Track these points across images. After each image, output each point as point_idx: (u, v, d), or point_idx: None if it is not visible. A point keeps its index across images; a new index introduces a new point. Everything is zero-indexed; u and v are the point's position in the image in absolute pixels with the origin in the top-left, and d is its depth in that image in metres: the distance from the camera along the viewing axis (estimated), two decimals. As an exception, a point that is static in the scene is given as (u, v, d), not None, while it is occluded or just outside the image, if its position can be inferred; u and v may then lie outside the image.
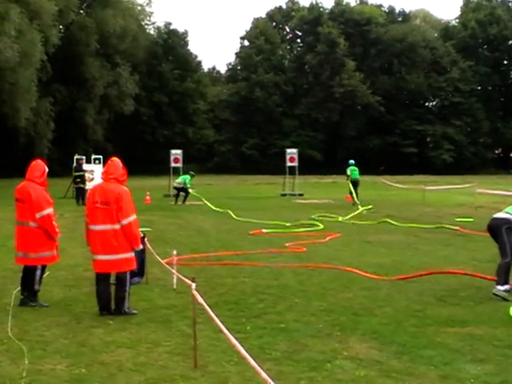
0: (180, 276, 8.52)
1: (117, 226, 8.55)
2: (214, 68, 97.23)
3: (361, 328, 8.00)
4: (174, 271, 9.73)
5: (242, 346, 5.10)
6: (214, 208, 24.24)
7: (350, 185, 29.90)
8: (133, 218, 8.66)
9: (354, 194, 29.27)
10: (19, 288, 9.31)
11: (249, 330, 7.87)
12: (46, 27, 51.34)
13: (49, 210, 9.24)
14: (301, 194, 36.05)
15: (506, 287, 9.75)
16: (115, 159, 9.08)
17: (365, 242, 16.56)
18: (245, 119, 79.26)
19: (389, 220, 21.09)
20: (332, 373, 6.37)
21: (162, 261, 10.42)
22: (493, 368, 6.52)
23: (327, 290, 10.27)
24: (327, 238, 16.82)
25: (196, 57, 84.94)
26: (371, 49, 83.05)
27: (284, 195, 36.28)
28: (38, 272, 9.33)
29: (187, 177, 30.58)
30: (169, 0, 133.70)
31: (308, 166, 58.76)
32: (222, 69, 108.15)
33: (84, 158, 33.82)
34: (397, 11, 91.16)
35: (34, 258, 9.25)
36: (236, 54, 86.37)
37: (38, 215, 9.14)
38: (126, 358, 6.86)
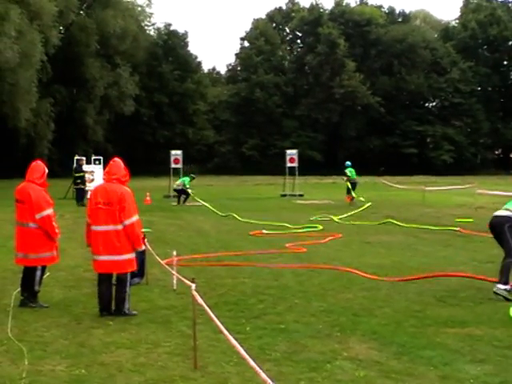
0: (180, 277, 8.52)
1: (119, 227, 8.56)
2: (214, 69, 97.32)
3: (360, 328, 8.00)
4: (173, 272, 9.74)
5: (242, 346, 5.11)
6: (220, 214, 24.00)
7: (349, 185, 30.31)
8: (135, 218, 8.68)
9: (354, 194, 29.85)
10: (19, 289, 9.31)
11: (248, 331, 7.87)
12: (46, 28, 51.38)
13: (49, 211, 9.24)
14: (301, 195, 36.05)
15: (507, 287, 9.74)
16: (117, 160, 9.08)
17: (364, 242, 16.55)
18: (245, 120, 79.26)
19: (392, 220, 21.05)
20: (332, 373, 6.37)
21: (161, 261, 10.43)
22: (492, 368, 6.52)
23: (327, 291, 10.27)
24: (327, 239, 16.82)
25: (196, 57, 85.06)
26: (371, 49, 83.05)
27: (284, 196, 36.28)
28: (38, 273, 9.33)
29: (186, 178, 30.67)
30: (169, 1, 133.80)
31: (308, 167, 58.72)
32: (222, 69, 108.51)
33: (84, 158, 33.82)
34: (397, 12, 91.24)
35: (33, 259, 9.25)
36: (236, 54, 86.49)
37: (37, 216, 9.14)
38: (126, 358, 6.87)
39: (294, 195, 36.10)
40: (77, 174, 30.43)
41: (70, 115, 61.14)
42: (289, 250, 15.07)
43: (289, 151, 39.86)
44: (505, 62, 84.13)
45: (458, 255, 14.25)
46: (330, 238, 17.05)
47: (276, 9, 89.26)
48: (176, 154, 37.14)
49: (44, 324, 8.25)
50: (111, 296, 8.74)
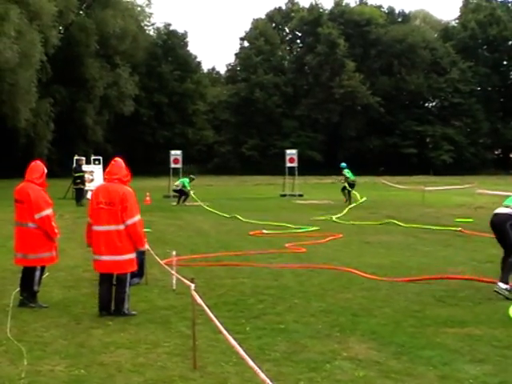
0: (179, 277, 8.52)
1: (121, 227, 8.57)
2: (213, 69, 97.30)
3: (360, 328, 8.00)
4: (173, 272, 9.74)
5: (241, 346, 5.11)
6: (225, 215, 23.88)
7: (347, 185, 30.45)
8: (137, 218, 8.69)
9: (350, 195, 30.30)
10: (18, 289, 9.30)
11: (248, 331, 7.87)
12: (45, 28, 51.35)
13: (48, 211, 9.24)
14: (300, 195, 36.06)
15: (507, 287, 9.74)
16: (118, 160, 9.09)
17: (364, 242, 16.55)
18: (244, 120, 79.25)
19: (394, 221, 21.02)
20: (331, 373, 6.37)
21: (161, 261, 10.42)
22: (492, 368, 6.52)
23: (326, 291, 10.27)
24: (327, 239, 16.82)
25: (196, 58, 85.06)
26: (371, 49, 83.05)
27: (284, 196, 36.28)
28: (38, 273, 9.33)
29: (186, 179, 30.71)
30: (168, 1, 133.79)
31: (308, 167, 58.73)
32: (222, 69, 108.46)
33: (84, 158, 33.83)
34: (396, 12, 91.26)
35: (33, 259, 9.25)
36: (236, 54, 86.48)
37: (37, 216, 9.14)
38: (125, 358, 6.87)
39: (294, 195, 36.10)
40: (76, 174, 30.43)
41: (70, 115, 61.11)
42: (288, 250, 15.07)
43: (288, 151, 39.86)
44: (504, 62, 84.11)
45: (458, 255, 14.25)
46: (330, 238, 17.05)
47: (276, 9, 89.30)
48: (176, 154, 37.13)
49: (43, 324, 8.25)
50: (111, 296, 8.74)
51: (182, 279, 7.74)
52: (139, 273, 10.27)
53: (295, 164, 37.85)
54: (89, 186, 32.09)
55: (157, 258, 10.49)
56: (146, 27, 78.47)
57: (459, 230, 18.70)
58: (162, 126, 74.84)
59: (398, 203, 30.01)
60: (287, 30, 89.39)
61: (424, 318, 8.50)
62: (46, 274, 9.94)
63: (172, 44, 79.90)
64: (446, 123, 79.32)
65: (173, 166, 36.29)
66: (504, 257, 10.26)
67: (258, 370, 4.45)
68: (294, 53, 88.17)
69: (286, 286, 10.70)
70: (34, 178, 9.40)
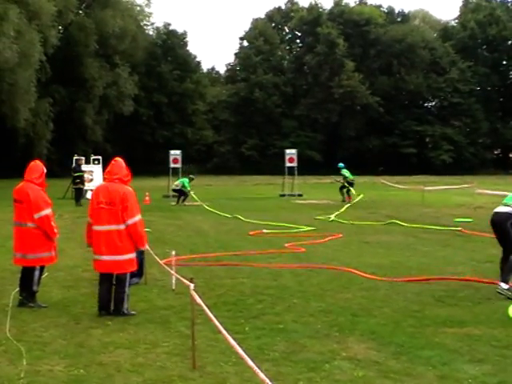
0: (178, 276, 8.53)
1: (121, 227, 8.57)
2: (213, 68, 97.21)
3: (359, 328, 8.01)
4: (172, 272, 9.74)
5: (241, 346, 5.12)
6: (227, 215, 23.82)
7: (346, 184, 30.56)
8: (138, 217, 8.70)
9: (345, 193, 30.57)
10: (18, 289, 9.30)
11: (247, 331, 7.87)
12: (45, 28, 51.32)
13: (47, 211, 9.24)
14: (300, 195, 36.06)
15: (508, 287, 9.75)
16: (118, 159, 9.09)
17: (363, 242, 16.55)
18: (244, 120, 79.23)
19: (396, 221, 20.98)
20: (330, 373, 6.38)
21: (160, 261, 10.42)
22: (491, 368, 6.53)
23: (326, 291, 10.27)
24: (327, 239, 16.82)
25: (195, 57, 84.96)
26: (370, 49, 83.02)
27: (283, 196, 36.27)
28: (37, 273, 9.33)
29: (186, 180, 30.71)
30: (168, 1, 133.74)
31: (307, 167, 58.71)
32: (221, 69, 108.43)
33: (83, 158, 33.81)
34: (396, 12, 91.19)
35: (32, 259, 9.25)
36: (235, 54, 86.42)
37: (36, 216, 9.14)
38: (125, 358, 6.87)
39: (293, 195, 36.10)
40: (76, 174, 30.42)
41: (69, 115, 61.09)
42: (288, 249, 15.07)
43: (288, 151, 39.86)
44: (504, 62, 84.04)
45: (457, 255, 14.26)
46: (330, 237, 17.05)
47: (275, 8, 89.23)
48: (175, 153, 37.08)
49: (42, 324, 8.25)
50: (111, 296, 8.75)
51: (182, 279, 7.75)
52: (138, 272, 10.27)
53: (295, 164, 37.85)
54: (88, 186, 32.09)
55: (156, 257, 10.50)
56: (145, 27, 78.49)
57: (459, 230, 18.70)
58: (161, 126, 74.81)
59: (398, 203, 30.01)
60: (287, 30, 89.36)
61: (423, 318, 8.51)
62: (46, 273, 9.94)
63: (171, 44, 79.86)
64: (445, 123, 79.28)
65: (172, 165, 36.25)
66: (503, 256, 10.26)
67: (257, 370, 4.45)
68: (294, 52, 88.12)
69: (286, 286, 10.70)
70: (33, 177, 9.40)
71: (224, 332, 5.37)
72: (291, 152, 39.30)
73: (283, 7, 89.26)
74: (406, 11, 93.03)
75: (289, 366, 6.59)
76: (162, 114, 75.31)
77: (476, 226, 18.91)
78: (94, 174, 34.61)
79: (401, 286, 10.60)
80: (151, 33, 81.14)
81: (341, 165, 32.17)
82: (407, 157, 77.25)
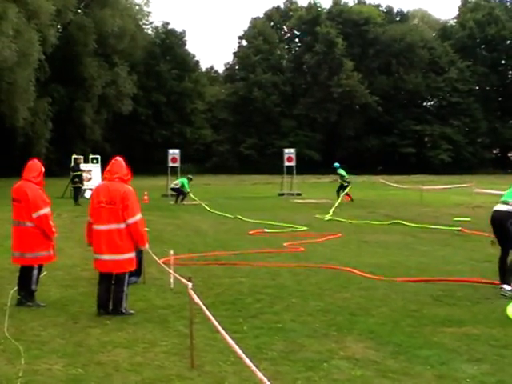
0: (177, 276, 8.52)
1: (122, 226, 8.57)
2: (211, 68, 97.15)
3: (357, 328, 8.01)
4: (171, 271, 9.74)
5: (239, 345, 5.12)
6: (229, 215, 23.74)
7: (344, 184, 30.61)
8: (138, 216, 8.70)
9: (342, 194, 30.33)
10: (16, 288, 9.30)
11: (245, 330, 7.87)
12: (43, 27, 51.26)
13: (45, 210, 9.24)
14: (299, 194, 36.07)
15: (510, 288, 9.75)
16: (119, 159, 9.09)
17: (362, 241, 16.55)
18: (243, 119, 79.23)
19: (400, 221, 20.95)
20: (328, 373, 6.38)
21: (159, 260, 10.41)
22: (489, 368, 6.53)
23: (324, 290, 10.27)
24: (325, 238, 16.83)
25: (194, 56, 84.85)
26: (369, 49, 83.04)
27: (282, 195, 36.29)
28: (35, 272, 9.32)
29: (185, 180, 30.69)
30: (167, 0, 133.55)
31: (306, 166, 58.75)
32: (220, 69, 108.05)
33: (82, 157, 33.80)
34: (395, 11, 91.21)
35: (30, 258, 9.25)
36: (234, 53, 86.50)
37: (34, 215, 9.13)
38: (123, 358, 6.87)
39: (292, 194, 36.11)
40: (74, 173, 30.41)
41: (68, 114, 61.06)
42: (286, 249, 15.07)
43: (287, 150, 39.85)
44: (503, 62, 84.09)
45: (456, 254, 14.26)
46: (329, 237, 17.05)
47: (274, 8, 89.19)
48: (174, 152, 37.00)
49: (41, 323, 8.25)
50: (110, 295, 8.74)
51: (180, 278, 7.74)
52: (137, 272, 10.28)
53: (293, 163, 37.86)
54: (87, 185, 32.11)
55: (154, 257, 10.47)
56: (144, 26, 78.43)
57: (459, 230, 18.69)
58: (160, 125, 74.78)
59: (396, 203, 30.02)
60: (285, 29, 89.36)
61: (421, 318, 8.51)
62: (44, 272, 9.94)
63: (170, 43, 79.81)
64: (444, 122, 79.29)
65: (171, 164, 36.15)
66: (501, 256, 10.25)
67: (256, 370, 4.45)
68: (293, 52, 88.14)
69: (284, 286, 10.70)
70: (31, 176, 9.40)
71: (222, 331, 5.37)
72: (290, 151, 39.31)
73: (282, 6, 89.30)
74: (405, 11, 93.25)
75: (287, 366, 6.59)
76: (160, 114, 75.28)
77: (475, 226, 18.90)
78: (92, 173, 34.61)
79: (399, 286, 10.60)
80: (150, 32, 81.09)
81: (336, 164, 32.20)
82: (406, 156, 77.32)
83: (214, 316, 5.81)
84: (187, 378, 6.23)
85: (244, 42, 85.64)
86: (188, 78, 78.36)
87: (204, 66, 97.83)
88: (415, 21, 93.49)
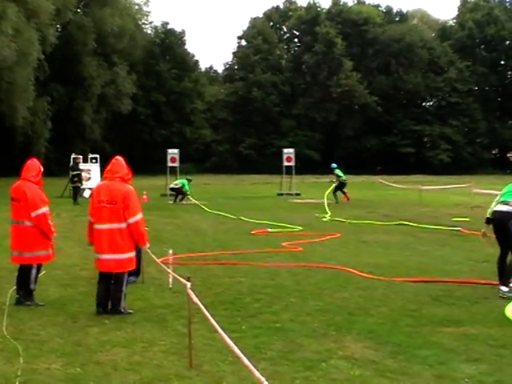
0: (176, 275, 8.52)
1: (123, 225, 8.58)
2: (211, 67, 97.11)
3: (356, 328, 8.01)
4: (169, 270, 9.73)
5: (237, 345, 5.11)
6: (231, 216, 23.68)
7: (339, 183, 30.59)
8: (140, 216, 8.72)
9: (340, 193, 30.47)
10: (15, 287, 9.30)
11: (244, 330, 7.88)
12: (43, 26, 51.24)
13: (44, 209, 9.25)
14: (298, 194, 36.07)
15: (508, 289, 9.75)
16: (119, 158, 9.10)
17: (361, 241, 16.55)
18: (242, 119, 79.24)
19: (404, 222, 20.90)
20: (327, 372, 6.38)
21: (157, 260, 10.40)
22: (487, 367, 6.53)
23: (323, 290, 10.27)
24: (324, 238, 16.83)
25: (193, 56, 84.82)
26: (369, 49, 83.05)
27: (281, 195, 36.29)
28: (34, 271, 9.33)
29: (185, 182, 30.68)
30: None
31: (305, 166, 58.76)
32: (220, 68, 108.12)
33: (81, 157, 33.80)
34: (394, 11, 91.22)
35: (29, 257, 9.25)
36: (233, 53, 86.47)
37: (33, 214, 9.14)
38: (122, 357, 6.87)
39: (291, 194, 36.11)
40: (74, 173, 30.40)
41: (68, 114, 61.04)
42: (285, 248, 15.07)
43: (286, 150, 39.83)
44: (502, 62, 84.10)
45: (455, 254, 14.26)
46: (328, 237, 17.06)
47: (273, 8, 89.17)
48: (173, 152, 36.92)
49: (40, 322, 8.24)
50: (109, 294, 8.75)
51: (179, 278, 7.74)
52: (136, 271, 10.28)
53: (292, 163, 37.86)
54: (86, 185, 32.12)
55: (153, 256, 10.47)
56: (143, 26, 78.42)
57: (458, 230, 18.68)
58: (159, 125, 74.76)
59: (396, 203, 30.02)
60: (285, 29, 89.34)
61: (420, 318, 8.51)
62: (43, 272, 9.95)
63: (170, 43, 79.78)
64: (443, 123, 79.30)
65: (170, 164, 36.05)
66: (500, 256, 10.25)
67: (254, 369, 4.45)
68: (292, 52, 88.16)
69: (283, 285, 10.70)
70: (30, 176, 9.40)
71: (221, 331, 5.37)
72: (289, 151, 39.30)
73: (281, 6, 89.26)
74: (405, 11, 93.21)
75: (285, 365, 6.59)
76: (160, 113, 75.25)
77: (474, 226, 18.89)
78: (91, 173, 34.61)
79: (398, 286, 10.60)
80: (149, 32, 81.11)
81: (334, 165, 32.16)
82: (405, 156, 77.29)
83: (212, 316, 5.81)
84: (186, 378, 6.23)
85: (243, 42, 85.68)
86: (187, 78, 78.34)
87: (203, 66, 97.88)
88: (414, 21, 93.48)
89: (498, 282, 10.09)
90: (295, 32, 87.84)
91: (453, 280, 11.02)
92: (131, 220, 8.59)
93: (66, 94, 61.75)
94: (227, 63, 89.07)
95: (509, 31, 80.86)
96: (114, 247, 8.59)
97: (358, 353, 6.99)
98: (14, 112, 49.04)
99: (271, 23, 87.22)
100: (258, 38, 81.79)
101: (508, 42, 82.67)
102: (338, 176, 30.99)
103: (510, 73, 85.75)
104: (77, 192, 29.61)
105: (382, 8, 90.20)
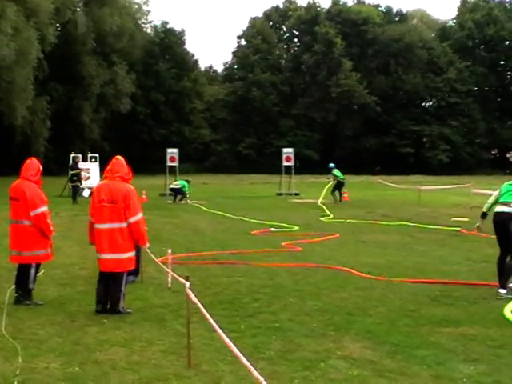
0: (174, 275, 8.53)
1: (124, 225, 8.59)
2: (210, 67, 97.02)
3: (355, 328, 8.01)
4: (168, 270, 9.74)
5: (236, 345, 5.11)
6: (231, 216, 23.64)
7: (336, 184, 30.58)
8: (140, 215, 8.72)
9: (338, 194, 30.62)
10: (14, 286, 9.30)
11: (243, 329, 7.88)
12: (42, 25, 51.23)
13: (43, 208, 9.25)
14: (297, 194, 36.09)
15: (505, 291, 9.76)
16: (119, 158, 9.10)
17: (360, 241, 16.56)
18: (241, 119, 79.25)
19: (407, 223, 20.86)
20: (325, 372, 6.38)
21: (156, 260, 10.42)
22: (485, 368, 6.54)
23: (322, 290, 10.28)
24: (323, 238, 16.83)
25: (193, 56, 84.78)
26: (368, 49, 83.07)
27: (280, 195, 36.30)
28: (32, 270, 9.33)
29: (185, 183, 30.67)
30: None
31: (304, 166, 58.80)
32: (219, 68, 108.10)
33: (80, 156, 33.82)
34: (394, 11, 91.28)
35: (28, 256, 9.25)
36: (233, 53, 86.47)
37: (32, 213, 9.14)
38: (120, 356, 6.87)
39: (290, 194, 36.12)
40: (73, 172, 30.41)
41: (67, 113, 61.02)
42: (284, 248, 15.08)
43: (285, 150, 39.82)
44: (501, 62, 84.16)
45: (454, 255, 14.27)
46: (327, 237, 17.06)
47: (273, 7, 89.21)
48: (172, 152, 36.84)
49: (38, 322, 8.24)
50: (109, 293, 8.75)
51: (177, 277, 7.75)
52: (135, 271, 10.27)
53: (291, 163, 37.86)
54: (85, 184, 32.12)
55: (152, 256, 10.49)
56: (143, 25, 78.38)
57: (458, 231, 18.67)
58: (158, 125, 74.72)
59: (395, 203, 30.04)
60: (284, 29, 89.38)
61: (419, 318, 8.52)
62: (42, 271, 9.95)
63: (169, 42, 79.73)
64: (442, 123, 79.35)
65: (169, 164, 35.99)
66: (500, 256, 10.25)
67: (252, 369, 4.45)
68: (291, 52, 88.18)
69: (282, 285, 10.71)
70: (29, 175, 9.40)
71: (219, 331, 5.37)
72: (288, 151, 39.30)
73: (281, 6, 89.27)
74: (404, 11, 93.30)
75: (284, 365, 6.59)
76: (159, 113, 75.24)
77: (472, 226, 18.86)
78: (90, 172, 34.61)
79: (396, 286, 10.60)
80: (149, 31, 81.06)
81: (331, 165, 32.21)
82: (404, 156, 77.35)
83: (211, 315, 5.81)
84: (184, 377, 6.23)
85: (243, 42, 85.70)
86: (187, 78, 78.31)
87: (203, 66, 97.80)
88: (414, 21, 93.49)
89: (495, 283, 10.10)
90: (295, 32, 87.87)
91: (451, 282, 11.02)
92: (132, 219, 8.60)
93: (65, 93, 61.73)
94: (227, 63, 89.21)
95: (508, 31, 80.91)
96: (115, 247, 8.59)
97: (356, 353, 6.99)
98: (13, 111, 49.03)
99: (271, 23, 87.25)
100: (258, 38, 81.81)
101: (507, 43, 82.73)
102: (336, 176, 30.99)
103: (509, 73, 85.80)
104: (76, 191, 29.61)
105: (382, 8, 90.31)
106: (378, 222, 21.09)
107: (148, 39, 76.85)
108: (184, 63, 79.72)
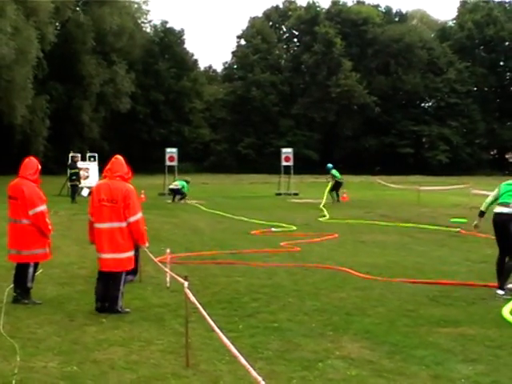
0: (173, 274, 8.52)
1: (123, 224, 8.59)
2: (210, 67, 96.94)
3: (353, 328, 8.01)
4: (167, 270, 9.73)
5: (234, 345, 5.11)
6: (231, 216, 23.62)
7: (334, 184, 30.56)
8: (140, 215, 8.73)
9: (335, 194, 30.73)
10: (12, 285, 9.30)
11: (241, 329, 7.88)
12: (42, 24, 51.18)
13: (42, 207, 9.24)
14: (296, 194, 36.10)
15: (503, 292, 9.75)
16: (119, 157, 9.10)
17: (359, 241, 16.56)
18: (241, 118, 79.23)
19: (410, 224, 20.76)
20: (324, 372, 6.38)
21: (155, 259, 10.40)
22: (484, 368, 6.54)
23: (320, 290, 10.28)
24: (322, 238, 16.83)
25: (192, 55, 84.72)
26: (368, 49, 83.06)
27: (279, 194, 36.30)
28: (31, 269, 9.33)
29: (185, 184, 30.68)
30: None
31: (304, 166, 58.77)
32: (219, 68, 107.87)
33: (79, 155, 33.81)
34: (394, 11, 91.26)
35: (26, 255, 9.24)
36: (232, 53, 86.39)
37: (30, 212, 9.13)
38: (119, 356, 6.87)
39: (289, 194, 36.13)
40: (72, 171, 30.41)
41: (66, 112, 60.98)
42: (283, 249, 15.07)
43: (284, 150, 39.82)
44: (501, 63, 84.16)
45: (453, 255, 14.28)
46: (326, 237, 17.06)
47: (273, 7, 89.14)
48: (171, 151, 36.85)
49: (37, 321, 8.24)
50: (108, 291, 8.75)
51: (176, 277, 7.74)
52: (133, 270, 10.26)
53: (291, 163, 37.86)
54: (84, 183, 32.11)
55: (151, 255, 10.47)
56: (142, 24, 78.30)
57: (458, 231, 18.66)
58: (158, 124, 74.69)
59: (394, 203, 30.05)
60: (284, 29, 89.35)
61: (417, 318, 8.52)
62: (40, 270, 9.94)
63: (169, 42, 79.67)
64: (442, 123, 79.34)
65: (168, 163, 36.00)
66: (500, 257, 10.24)
67: (251, 369, 4.45)
68: (291, 51, 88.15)
69: (281, 285, 10.70)
70: (27, 174, 9.39)
71: (218, 330, 5.37)
72: (287, 151, 39.30)
73: (281, 6, 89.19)
74: (404, 11, 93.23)
75: (282, 365, 6.59)
76: (158, 112, 75.20)
77: (472, 227, 18.86)
78: (89, 172, 34.59)
79: (395, 286, 10.60)
80: (148, 30, 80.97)
81: (329, 165, 32.20)
82: (404, 157, 77.35)
83: (209, 315, 5.81)
84: (182, 377, 6.23)
85: (242, 42, 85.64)
86: (186, 77, 78.26)
87: (202, 65, 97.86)
88: (414, 21, 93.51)
89: (495, 284, 10.10)
90: (294, 32, 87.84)
91: (450, 282, 11.02)
92: (132, 219, 8.60)
93: (64, 92, 61.69)
94: (226, 62, 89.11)
95: (508, 32, 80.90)
96: (115, 246, 8.60)
97: (354, 353, 6.99)
98: (13, 110, 48.98)
99: (270, 23, 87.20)
100: (258, 38, 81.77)
101: (507, 43, 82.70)
102: (334, 176, 31.01)
103: (509, 74, 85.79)
104: (75, 190, 29.61)
105: (382, 8, 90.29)
106: (377, 223, 21.08)
107: (148, 39, 76.80)
108: (184, 63, 79.68)
